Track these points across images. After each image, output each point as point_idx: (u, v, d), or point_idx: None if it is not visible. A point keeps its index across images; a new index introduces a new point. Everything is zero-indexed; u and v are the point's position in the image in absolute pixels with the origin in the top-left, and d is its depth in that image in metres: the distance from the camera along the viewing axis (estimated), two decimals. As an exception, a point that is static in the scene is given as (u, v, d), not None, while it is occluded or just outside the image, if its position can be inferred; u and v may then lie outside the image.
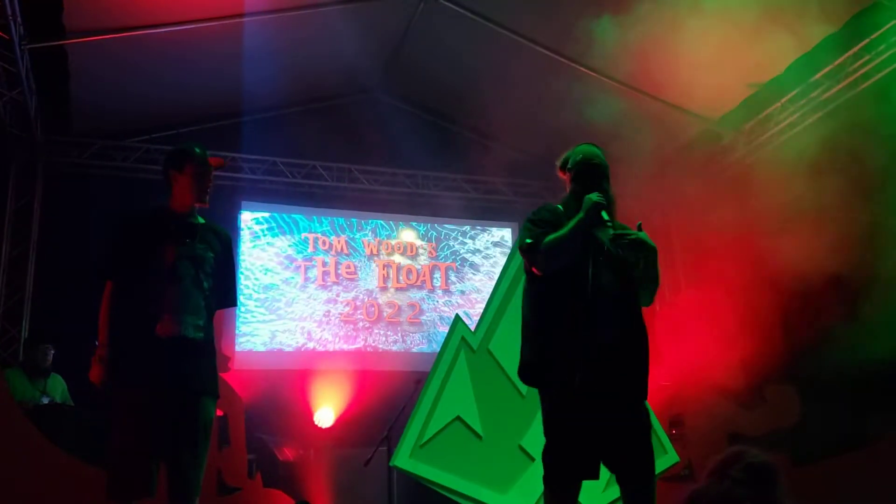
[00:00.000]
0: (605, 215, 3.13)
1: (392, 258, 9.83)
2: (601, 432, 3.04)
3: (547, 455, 3.14)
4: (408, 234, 9.98)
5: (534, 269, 3.22)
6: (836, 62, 7.27)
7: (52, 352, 6.28)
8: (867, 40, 6.96)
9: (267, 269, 9.20)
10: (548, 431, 3.17)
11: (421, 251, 9.97)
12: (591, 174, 3.27)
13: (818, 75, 7.48)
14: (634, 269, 3.20)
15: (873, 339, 5.75)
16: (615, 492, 5.52)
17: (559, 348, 3.10)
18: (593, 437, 3.04)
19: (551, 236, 3.15)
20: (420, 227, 10.08)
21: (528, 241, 3.18)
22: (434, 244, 10.06)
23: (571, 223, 3.14)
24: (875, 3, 6.61)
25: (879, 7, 6.63)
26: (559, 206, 3.35)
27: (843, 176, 6.53)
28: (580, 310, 3.07)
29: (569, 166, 3.38)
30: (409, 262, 9.87)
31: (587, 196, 3.15)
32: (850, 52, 7.13)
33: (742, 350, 7.44)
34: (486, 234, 10.36)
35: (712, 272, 8.08)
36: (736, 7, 6.51)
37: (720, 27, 6.61)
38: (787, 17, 6.70)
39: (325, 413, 8.28)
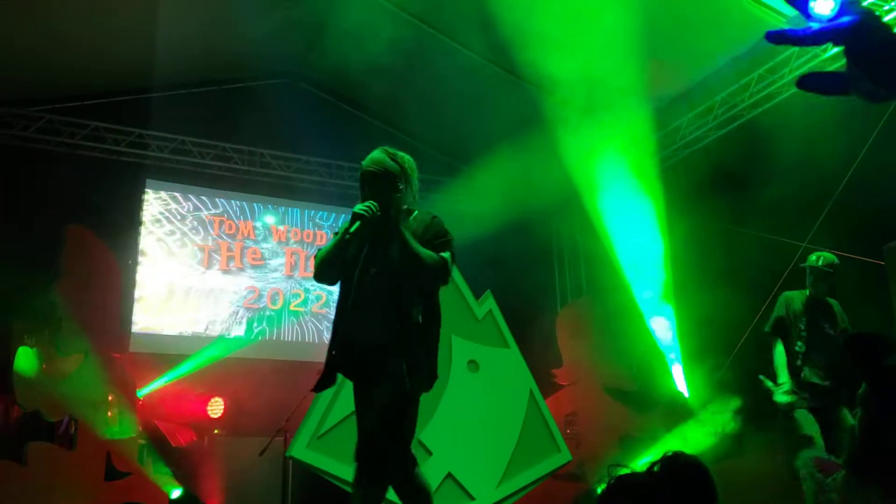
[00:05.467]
0: (388, 224, 3.26)
1: (300, 247, 9.73)
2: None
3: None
4: (318, 223, 9.90)
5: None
6: (742, 82, 7.62)
7: None
8: (772, 62, 7.31)
9: (170, 251, 8.97)
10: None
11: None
12: (366, 182, 3.36)
13: (725, 93, 7.81)
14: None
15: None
16: (509, 487, 5.65)
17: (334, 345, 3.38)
18: None
19: (322, 248, 3.45)
20: (331, 216, 10.00)
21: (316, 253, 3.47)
22: (344, 235, 9.99)
23: (336, 237, 3.38)
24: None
25: (784, 32, 6.94)
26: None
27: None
28: (345, 310, 3.37)
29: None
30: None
31: (354, 207, 3.28)
32: (755, 73, 7.47)
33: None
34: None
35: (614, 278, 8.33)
36: (646, 23, 6.70)
37: (630, 42, 6.79)
38: (697, 35, 6.97)
39: (218, 402, 8.17)
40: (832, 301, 5.23)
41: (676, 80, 7.94)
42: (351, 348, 3.31)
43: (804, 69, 7.09)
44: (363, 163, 3.38)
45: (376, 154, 3.40)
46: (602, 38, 6.64)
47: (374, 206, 3.22)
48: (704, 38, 7.02)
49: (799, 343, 5.09)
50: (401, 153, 3.44)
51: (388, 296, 3.26)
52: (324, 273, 3.47)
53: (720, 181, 7.57)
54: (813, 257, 5.21)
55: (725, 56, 7.48)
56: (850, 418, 4.74)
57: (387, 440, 3.17)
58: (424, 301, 3.35)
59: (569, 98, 8.15)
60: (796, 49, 7.06)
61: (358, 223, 3.19)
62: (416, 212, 3.49)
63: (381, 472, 3.19)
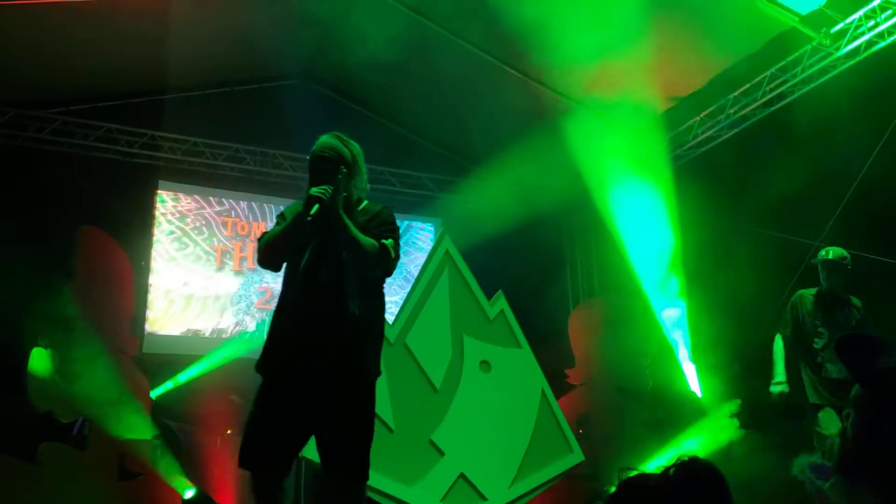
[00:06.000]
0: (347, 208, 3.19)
1: (312, 247, 9.71)
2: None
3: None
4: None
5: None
6: (754, 80, 7.57)
7: None
8: (783, 62, 7.26)
9: (182, 252, 8.99)
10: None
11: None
12: (316, 168, 3.28)
13: (736, 92, 7.76)
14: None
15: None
16: (521, 487, 5.63)
17: (276, 339, 3.27)
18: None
19: (269, 233, 3.30)
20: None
21: (259, 237, 3.31)
22: (355, 235, 9.98)
23: (289, 220, 3.24)
24: (792, 28, 6.88)
25: (796, 31, 6.91)
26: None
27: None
28: (290, 302, 3.24)
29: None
30: (328, 251, 9.78)
31: (309, 190, 3.16)
32: (768, 73, 7.43)
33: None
34: (408, 228, 10.34)
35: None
36: (657, 21, 6.68)
37: (641, 40, 6.77)
38: (708, 34, 6.94)
39: (231, 402, 8.19)
40: (851, 296, 5.20)
41: (688, 79, 7.90)
42: (292, 341, 3.20)
43: (817, 67, 7.04)
44: (313, 147, 3.31)
45: (328, 139, 3.33)
46: (613, 36, 6.62)
47: (330, 189, 3.12)
48: (716, 36, 6.97)
49: (816, 340, 5.08)
50: (352, 140, 3.37)
51: (330, 288, 3.16)
52: (270, 259, 3.29)
53: (732, 180, 7.52)
54: (823, 252, 5.20)
55: (737, 55, 7.43)
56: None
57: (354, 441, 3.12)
58: (370, 295, 3.27)
59: (581, 99, 8.15)
60: (808, 47, 7.01)
61: (317, 206, 3.08)
62: (366, 202, 3.41)
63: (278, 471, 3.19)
